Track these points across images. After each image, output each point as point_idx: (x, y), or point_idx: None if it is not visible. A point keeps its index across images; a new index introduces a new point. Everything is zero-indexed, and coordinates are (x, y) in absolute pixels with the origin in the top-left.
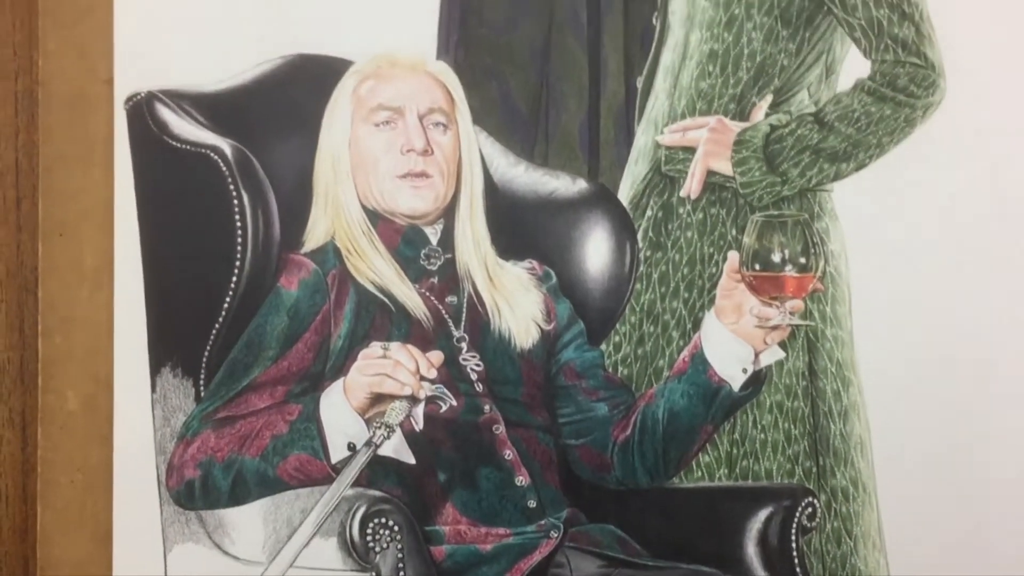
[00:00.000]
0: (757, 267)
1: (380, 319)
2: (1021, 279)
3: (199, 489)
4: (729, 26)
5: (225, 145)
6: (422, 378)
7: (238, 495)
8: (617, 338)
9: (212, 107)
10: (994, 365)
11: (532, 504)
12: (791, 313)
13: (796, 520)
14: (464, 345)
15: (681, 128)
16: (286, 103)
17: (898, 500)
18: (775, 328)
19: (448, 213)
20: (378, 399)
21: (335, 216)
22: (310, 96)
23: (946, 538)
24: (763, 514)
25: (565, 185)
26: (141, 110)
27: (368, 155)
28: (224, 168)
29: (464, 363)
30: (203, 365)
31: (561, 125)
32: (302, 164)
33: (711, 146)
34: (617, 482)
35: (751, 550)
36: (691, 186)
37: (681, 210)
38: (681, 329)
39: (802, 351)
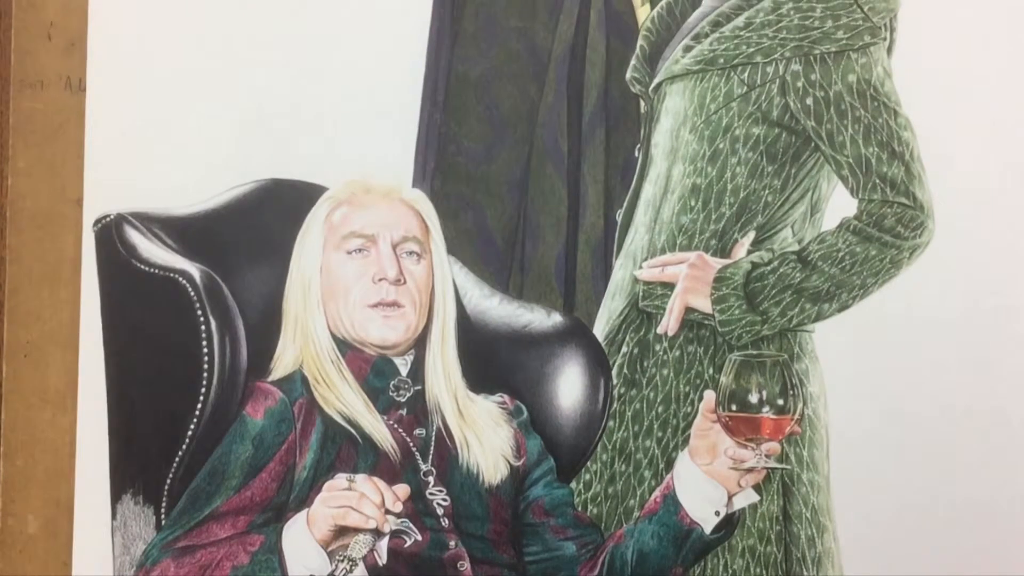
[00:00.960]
0: (734, 407)
1: (346, 450)
2: (1005, 421)
3: None
4: (713, 160)
5: (194, 270)
6: (387, 512)
7: None
8: (588, 476)
9: (182, 231)
10: (977, 510)
11: None
12: (767, 456)
13: None
14: (431, 479)
15: (660, 263)
16: (257, 228)
17: None
18: (750, 471)
19: (419, 344)
20: (342, 532)
21: (304, 344)
22: (282, 222)
23: None
24: None
25: (540, 319)
26: (110, 232)
27: (339, 283)
28: (192, 293)
29: (431, 497)
30: (165, 493)
31: (537, 257)
32: (272, 291)
33: (690, 282)
34: None
35: None
36: (668, 323)
37: (658, 347)
38: (653, 469)
39: (777, 495)
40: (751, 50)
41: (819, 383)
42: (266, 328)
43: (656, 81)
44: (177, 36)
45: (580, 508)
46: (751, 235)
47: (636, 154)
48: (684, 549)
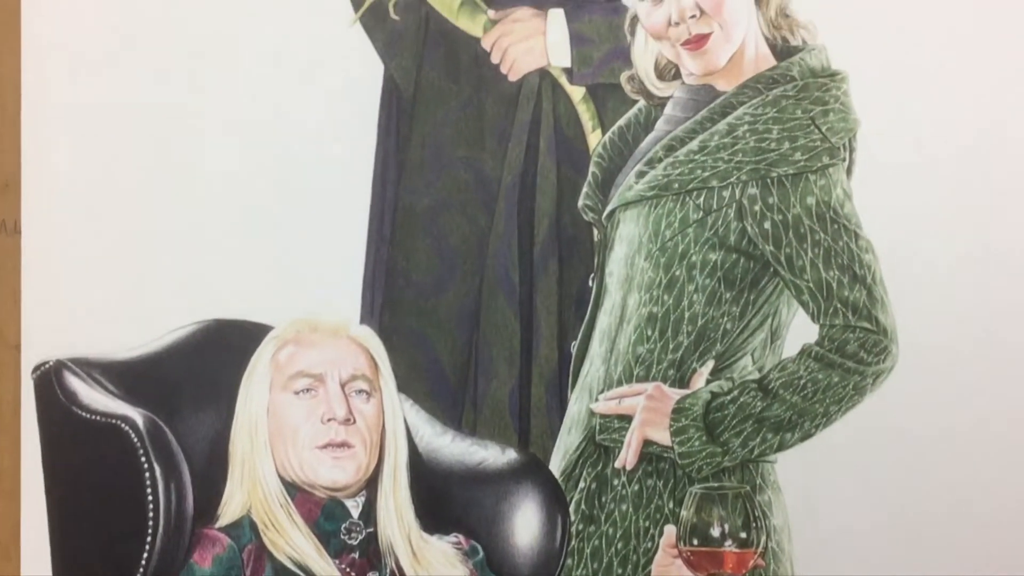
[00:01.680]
0: (695, 542)
1: None
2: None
3: None
4: (669, 288)
5: (137, 415)
6: None
7: None
8: None
9: (123, 376)
10: None
11: None
12: None
13: None
14: None
15: (617, 395)
16: (201, 371)
17: None
18: None
19: (371, 485)
20: None
21: (252, 488)
22: (226, 364)
23: None
24: None
25: (494, 455)
26: (49, 379)
27: (287, 424)
28: (135, 439)
29: None
30: None
31: (490, 392)
32: (217, 434)
33: (648, 414)
34: None
35: None
36: (627, 456)
37: (616, 482)
38: None
39: None
40: (706, 174)
41: (782, 514)
42: (212, 473)
43: (609, 208)
44: (113, 176)
45: None
46: (710, 364)
47: (590, 284)
48: None
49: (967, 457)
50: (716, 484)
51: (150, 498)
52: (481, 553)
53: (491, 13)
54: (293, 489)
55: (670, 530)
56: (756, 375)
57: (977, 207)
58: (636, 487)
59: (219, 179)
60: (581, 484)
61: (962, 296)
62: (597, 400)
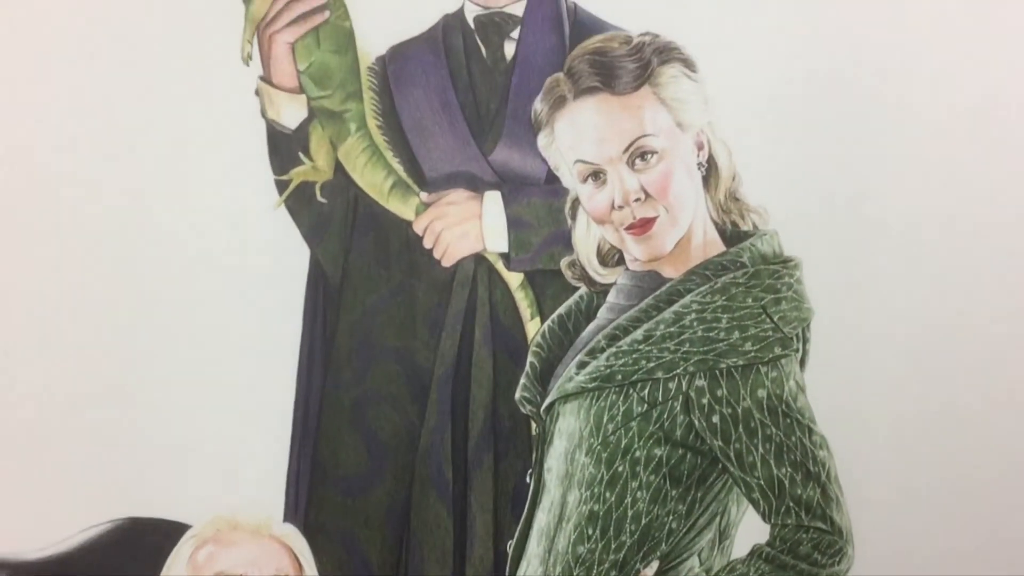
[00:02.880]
0: None
1: None
2: None
3: None
4: (612, 485)
5: None
6: None
7: None
8: None
9: None
10: None
11: None
12: None
13: None
14: None
15: None
16: (115, 572)
17: None
18: None
19: None
20: None
21: None
22: (142, 564)
23: None
24: None
25: None
26: None
27: None
28: None
29: None
30: None
31: None
32: None
33: None
34: None
35: None
36: None
37: None
38: None
39: None
40: (651, 365)
41: None
42: None
43: (548, 400)
44: (20, 364)
45: None
46: (655, 565)
47: (527, 480)
48: None
49: None
50: None
51: None
52: None
53: (424, 195)
54: None
55: None
56: None
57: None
58: None
59: (135, 367)
60: None
61: None
62: None
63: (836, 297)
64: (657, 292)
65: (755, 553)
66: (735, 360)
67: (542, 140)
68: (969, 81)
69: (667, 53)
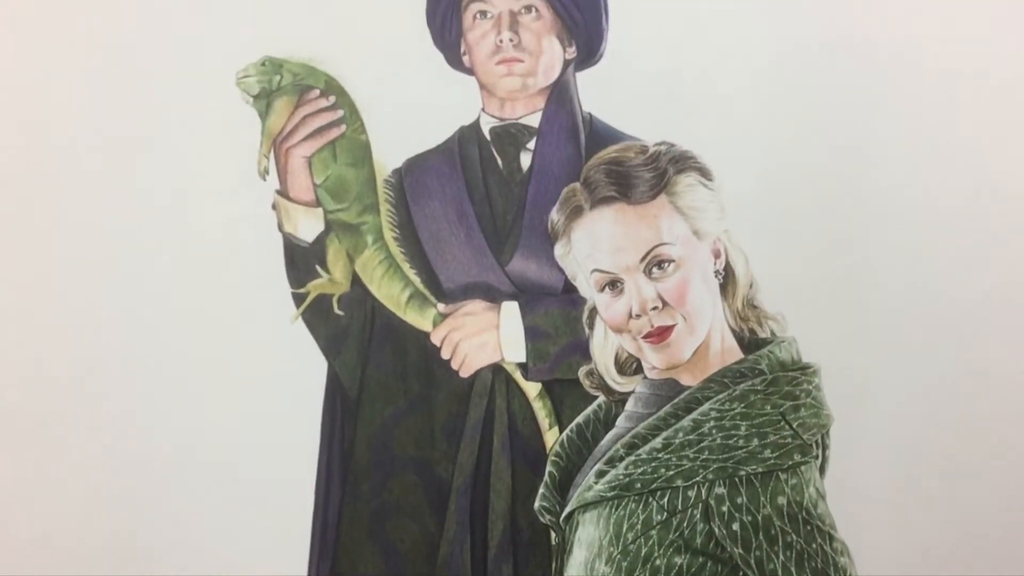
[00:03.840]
0: None
1: None
2: None
3: None
4: None
5: None
6: None
7: None
8: None
9: None
10: None
11: None
12: None
13: None
14: None
15: None
16: None
17: None
18: None
19: None
20: None
21: None
22: None
23: None
24: None
25: None
26: None
27: None
28: None
29: None
30: None
31: None
32: None
33: None
34: None
35: None
36: None
37: None
38: None
39: None
40: (671, 473)
41: None
42: None
43: (568, 510)
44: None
45: None
46: None
47: None
48: None
49: None
50: None
51: None
52: None
53: (441, 307)
54: None
55: None
56: None
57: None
58: None
59: (149, 488)
60: None
61: None
62: None
63: (852, 405)
64: (675, 400)
65: None
66: (754, 467)
67: (559, 250)
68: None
69: (683, 162)
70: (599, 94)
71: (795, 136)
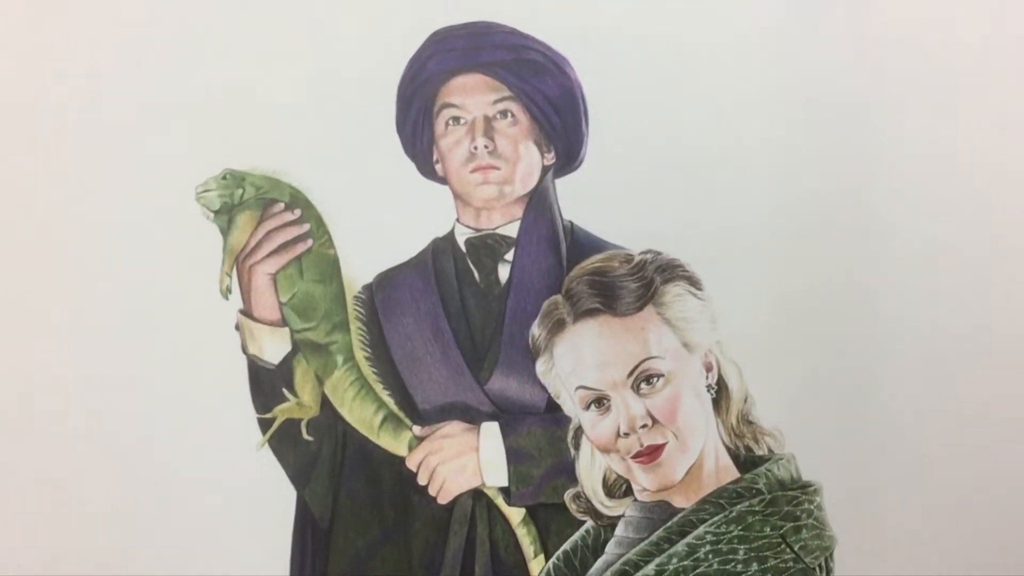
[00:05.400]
0: None
1: None
2: None
3: None
4: None
5: None
6: None
7: None
8: None
9: None
10: None
11: None
12: None
13: None
14: None
15: None
16: None
17: None
18: None
19: None
20: None
21: None
22: None
23: None
24: None
25: None
26: None
27: None
28: None
29: None
30: None
31: None
32: None
33: None
34: None
35: None
36: None
37: None
38: None
39: None
40: None
41: None
42: None
43: None
44: None
45: None
46: None
47: None
48: None
49: None
50: None
51: None
52: None
53: (416, 429)
54: None
55: None
56: None
57: None
58: None
59: None
60: None
61: None
62: None
63: (857, 525)
64: (668, 524)
65: None
66: None
67: (541, 366)
68: None
69: (671, 271)
70: (580, 201)
71: (791, 243)
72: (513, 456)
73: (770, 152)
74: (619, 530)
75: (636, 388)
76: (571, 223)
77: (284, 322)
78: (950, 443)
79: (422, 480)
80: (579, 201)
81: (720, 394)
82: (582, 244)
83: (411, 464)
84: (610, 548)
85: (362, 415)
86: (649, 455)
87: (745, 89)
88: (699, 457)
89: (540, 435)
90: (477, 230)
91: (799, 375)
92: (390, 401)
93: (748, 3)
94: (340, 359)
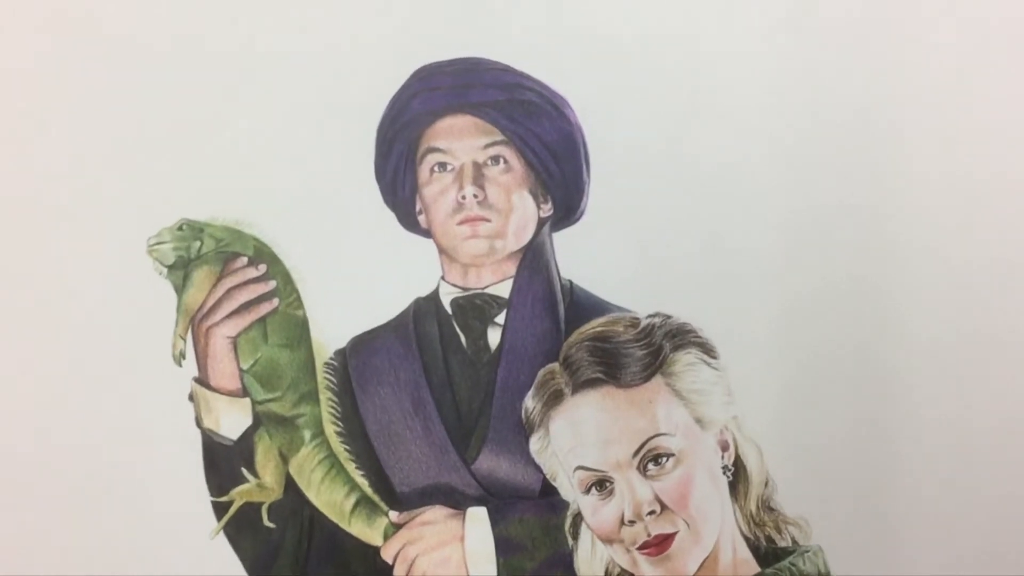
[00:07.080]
0: None
1: None
2: None
3: None
4: None
5: None
6: None
7: None
8: None
9: None
10: None
11: None
12: None
13: None
14: None
15: None
16: None
17: None
18: None
19: None
20: None
21: None
22: None
23: None
24: None
25: None
26: None
27: None
28: None
29: None
30: None
31: None
32: None
33: None
34: None
35: None
36: None
37: None
38: None
39: None
40: None
41: None
42: None
43: None
44: None
45: None
46: None
47: None
48: None
49: None
50: None
51: None
52: None
53: (393, 515)
54: None
55: None
56: None
57: None
58: None
59: None
60: None
61: None
62: None
63: None
64: None
65: None
66: None
67: (535, 444)
68: None
69: (681, 337)
70: (580, 258)
71: (814, 309)
72: (503, 547)
73: (789, 208)
74: None
75: (643, 469)
76: (570, 282)
77: (245, 392)
78: (991, 528)
79: (399, 574)
80: (579, 258)
81: (738, 477)
82: (582, 306)
83: (387, 555)
84: None
85: (332, 498)
86: (657, 546)
87: (763, 140)
88: (714, 549)
89: (534, 523)
90: (464, 289)
91: (828, 456)
92: (364, 483)
93: (763, 44)
94: (308, 434)
